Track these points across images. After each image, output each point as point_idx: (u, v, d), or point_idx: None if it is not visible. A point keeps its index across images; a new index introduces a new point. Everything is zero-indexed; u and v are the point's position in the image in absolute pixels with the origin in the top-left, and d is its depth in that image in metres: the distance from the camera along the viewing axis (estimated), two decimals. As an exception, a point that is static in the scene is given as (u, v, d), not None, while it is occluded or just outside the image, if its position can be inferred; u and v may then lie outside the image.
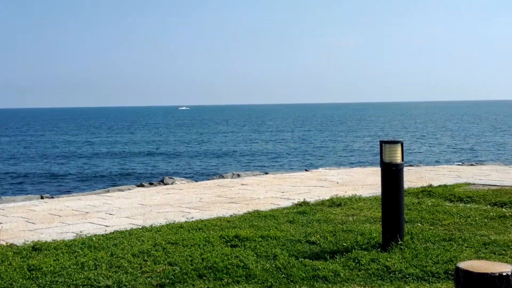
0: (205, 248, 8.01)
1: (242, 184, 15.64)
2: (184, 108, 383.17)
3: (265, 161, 45.24)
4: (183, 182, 17.29)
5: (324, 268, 6.93)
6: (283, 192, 13.86)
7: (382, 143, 8.03)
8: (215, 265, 7.11)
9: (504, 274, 3.24)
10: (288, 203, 11.90)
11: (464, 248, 7.85)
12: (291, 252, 7.73)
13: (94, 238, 8.92)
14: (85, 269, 7.19)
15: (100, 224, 10.47)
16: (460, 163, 23.27)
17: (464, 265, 3.39)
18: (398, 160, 7.93)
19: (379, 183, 8.21)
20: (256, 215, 10.45)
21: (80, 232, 9.73)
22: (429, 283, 6.50)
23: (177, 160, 47.17)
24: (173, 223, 10.00)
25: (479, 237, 8.42)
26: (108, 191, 15.36)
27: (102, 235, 9.23)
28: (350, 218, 10.02)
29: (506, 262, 7.06)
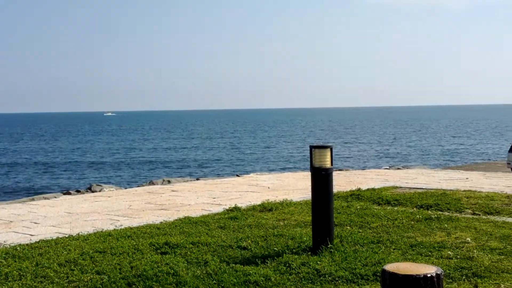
0: (134, 256, 7.84)
1: (173, 191, 15.47)
2: (110, 114, 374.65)
3: (196, 168, 45.05)
4: (111, 189, 16.95)
5: (255, 273, 6.91)
6: (214, 198, 13.78)
7: (312, 148, 8.09)
8: (144, 273, 6.97)
9: (428, 275, 3.30)
10: (219, 209, 11.83)
11: (391, 250, 8.00)
12: (222, 258, 7.67)
13: (18, 248, 8.58)
14: (9, 279, 6.91)
15: (25, 233, 10.09)
16: (388, 167, 23.85)
17: (390, 267, 3.43)
18: (328, 164, 8.00)
19: (310, 187, 8.27)
20: (187, 222, 10.34)
21: (4, 242, 9.36)
22: (358, 285, 6.58)
23: (105, 167, 46.30)
24: (101, 231, 9.76)
25: (406, 239, 8.61)
26: (33, 199, 14.85)
27: (27, 244, 8.90)
28: (281, 223, 10.06)
29: (432, 263, 7.24)
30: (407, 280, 3.25)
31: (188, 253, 7.95)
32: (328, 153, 8.03)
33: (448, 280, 6.65)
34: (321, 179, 7.98)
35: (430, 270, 3.36)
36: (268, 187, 15.63)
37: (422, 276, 3.28)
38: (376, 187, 14.38)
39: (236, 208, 11.48)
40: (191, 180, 18.58)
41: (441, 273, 3.38)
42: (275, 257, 7.60)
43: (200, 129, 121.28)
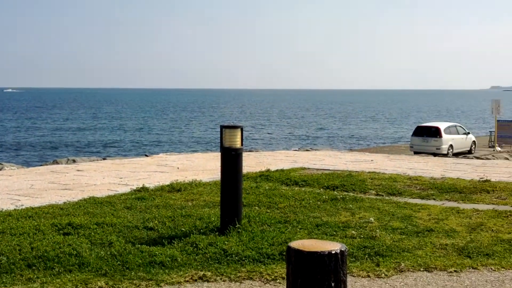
0: (35, 236, 7.52)
1: (78, 170, 15.01)
2: (10, 90, 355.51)
3: (102, 147, 44.01)
4: (13, 168, 16.24)
5: (161, 254, 6.80)
6: (121, 178, 13.49)
7: (222, 128, 8.03)
8: (45, 254, 6.70)
9: (333, 252, 3.33)
10: (126, 189, 11.59)
11: (298, 229, 8.10)
12: (127, 239, 7.50)
13: None
14: None
15: None
16: (297, 149, 24.20)
17: (296, 244, 3.43)
18: (238, 144, 7.97)
19: (220, 168, 8.21)
20: (92, 202, 10.05)
21: None
22: (264, 264, 6.61)
23: (5, 146, 44.37)
24: (0, 211, 9.31)
25: (312, 219, 8.74)
26: None
27: None
28: (190, 203, 9.97)
29: (337, 242, 7.39)
30: (312, 257, 3.26)
31: (92, 234, 7.72)
32: (239, 133, 7.99)
33: (352, 259, 6.81)
34: (231, 159, 7.94)
35: (334, 247, 3.39)
36: (178, 168, 15.47)
37: (326, 252, 3.30)
38: (285, 168, 14.55)
39: (143, 188, 11.27)
40: (97, 160, 18.10)
41: (345, 250, 3.42)
42: (182, 238, 7.51)
43: (108, 108, 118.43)
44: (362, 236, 7.77)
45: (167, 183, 11.95)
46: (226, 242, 7.28)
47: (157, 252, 6.86)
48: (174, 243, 7.32)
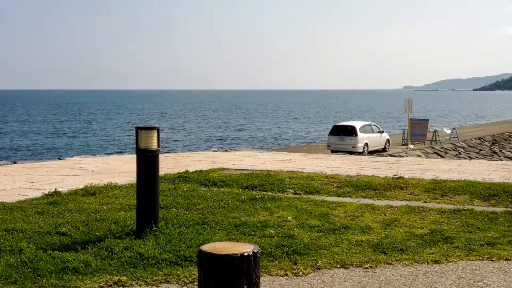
0: None
1: (-13, 175, 14.32)
2: None
3: (13, 151, 42.34)
4: None
5: (74, 260, 6.55)
6: (32, 182, 12.97)
7: (138, 129, 7.84)
8: (-52, 264, 6.32)
9: (245, 254, 3.27)
10: (38, 194, 11.14)
11: (216, 231, 8.03)
12: (39, 245, 7.19)
13: None
14: None
15: None
16: (216, 150, 24.12)
17: (207, 247, 3.35)
18: (154, 146, 7.81)
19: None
20: (1, 208, 9.60)
21: None
22: (182, 267, 6.49)
23: None
24: None
25: (231, 219, 8.69)
26: None
27: None
28: (105, 207, 9.70)
29: (255, 242, 7.37)
30: (224, 260, 3.19)
31: (1, 240, 7.37)
32: (155, 135, 7.84)
33: (270, 258, 6.79)
34: (147, 161, 7.77)
35: (247, 249, 3.33)
36: (92, 171, 15.06)
37: (239, 255, 3.23)
38: (203, 169, 14.44)
39: (56, 193, 10.87)
40: (7, 164, 17.33)
41: (258, 251, 3.36)
42: (97, 242, 7.28)
43: (18, 110, 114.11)
44: (280, 235, 7.78)
45: (81, 186, 11.60)
46: (142, 246, 7.10)
47: (70, 258, 6.61)
48: (88, 248, 7.08)
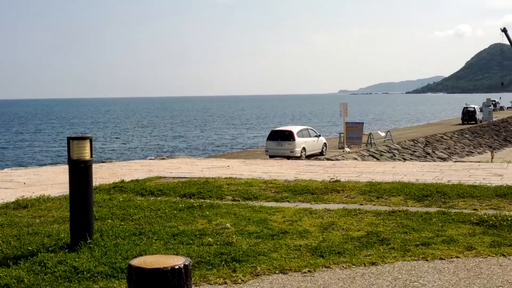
0: None
1: None
2: None
3: None
4: None
5: (6, 276, 6.30)
6: (-39, 197, 12.44)
7: (69, 139, 7.62)
8: None
9: (176, 267, 3.19)
10: (-34, 209, 10.68)
11: (153, 241, 7.89)
12: (-34, 263, 6.88)
13: None
14: None
15: None
16: (153, 158, 23.84)
17: (137, 262, 3.26)
18: (87, 156, 7.61)
19: (69, 181, 7.79)
20: None
21: None
22: (118, 279, 6.33)
23: None
24: None
25: (168, 229, 8.56)
26: None
27: None
28: (37, 220, 9.39)
29: (193, 251, 7.29)
30: (155, 274, 3.10)
31: None
32: (88, 145, 7.64)
33: (208, 267, 6.72)
34: (80, 172, 7.57)
35: (178, 261, 3.25)
36: (24, 183, 14.59)
37: (169, 268, 3.15)
38: (140, 178, 14.22)
39: (-15, 207, 10.46)
40: None
41: (189, 263, 3.29)
42: (29, 257, 7.03)
43: None
44: (218, 243, 7.72)
45: (12, 199, 11.21)
46: (76, 259, 6.91)
47: (1, 274, 6.36)
48: (20, 263, 6.83)
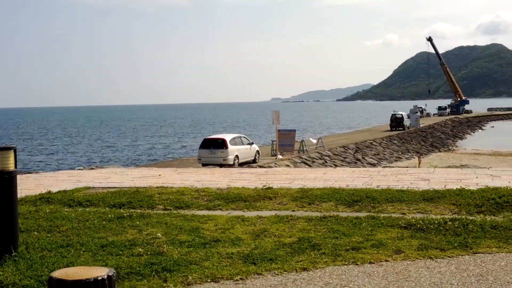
0: None
1: None
2: None
3: None
4: None
5: None
6: None
7: (-8, 150, 7.34)
8: None
9: (99, 278, 3.10)
10: None
11: (82, 252, 7.68)
12: None
13: None
14: None
15: None
16: (81, 168, 23.31)
17: (58, 273, 3.15)
18: (11, 167, 7.35)
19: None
20: None
21: None
22: (43, 293, 6.12)
23: None
24: None
25: (97, 240, 8.36)
26: None
27: None
28: (-42, 234, 8.97)
29: (123, 261, 7.13)
30: (77, 286, 3.00)
31: None
32: (12, 155, 7.37)
33: (138, 278, 6.58)
34: (3, 184, 7.29)
35: (101, 272, 3.15)
36: None
37: (92, 279, 3.05)
38: (68, 189, 13.84)
39: None
40: None
41: (113, 274, 3.19)
42: (-51, 273, 6.70)
43: None
44: (149, 253, 7.59)
45: None
46: (1, 273, 6.65)
47: None
48: None
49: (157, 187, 13.71)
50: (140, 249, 7.75)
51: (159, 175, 17.48)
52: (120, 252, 7.68)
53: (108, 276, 3.11)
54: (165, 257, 7.36)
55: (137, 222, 9.59)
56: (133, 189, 13.33)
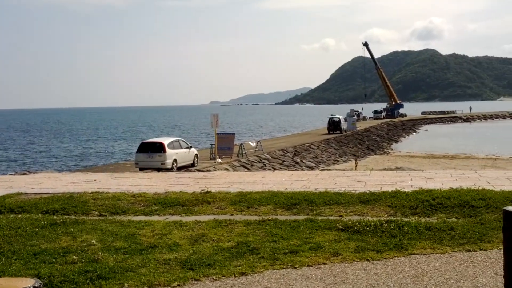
0: None
1: None
2: None
3: None
4: None
5: None
6: None
7: None
8: None
9: (28, 289, 2.93)
10: None
11: (13, 261, 7.40)
12: None
13: None
14: None
15: None
16: (13, 173, 22.59)
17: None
18: None
19: None
20: None
21: None
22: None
23: None
24: None
25: (29, 248, 8.08)
26: None
27: None
28: None
29: (56, 269, 6.92)
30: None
31: None
32: None
33: (72, 286, 6.39)
34: None
35: (26, 283, 3.00)
36: None
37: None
38: (-2, 195, 13.36)
39: None
40: None
41: (39, 285, 3.05)
42: None
43: None
44: (84, 260, 7.39)
45: None
46: None
47: None
48: None
49: (92, 193, 13.40)
50: (74, 257, 7.53)
51: (95, 180, 17.10)
52: (54, 260, 7.44)
53: (34, 287, 2.96)
54: (100, 264, 7.17)
55: (71, 229, 9.33)
56: (67, 195, 12.99)
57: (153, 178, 17.63)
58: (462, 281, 6.47)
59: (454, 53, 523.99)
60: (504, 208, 4.69)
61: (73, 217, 10.55)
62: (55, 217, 10.47)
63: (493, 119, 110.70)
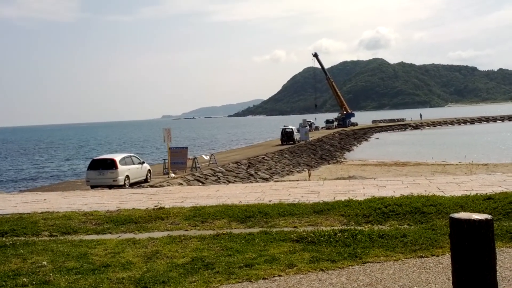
0: None
1: None
2: None
3: None
4: None
5: None
6: None
7: None
8: None
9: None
10: None
11: (-41, 287, 7.15)
12: None
13: None
14: None
15: None
16: (-40, 195, 21.88)
17: None
18: None
19: None
20: None
21: None
22: None
23: None
24: None
25: (-24, 273, 7.81)
26: None
27: None
28: None
29: (4, 294, 6.72)
30: None
31: None
32: None
33: (21, 311, 6.20)
34: None
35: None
36: None
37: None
38: None
39: None
40: None
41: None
42: None
43: None
44: (34, 282, 7.21)
45: None
46: None
47: None
48: None
49: (42, 213, 13.10)
50: (24, 279, 7.34)
51: (44, 199, 16.73)
52: (3, 283, 7.24)
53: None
54: (52, 286, 7.02)
55: (21, 251, 9.09)
56: (16, 216, 12.66)
57: (104, 195, 17.36)
58: (415, 287, 6.56)
59: (402, 62, 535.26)
60: (450, 215, 4.76)
61: (23, 238, 10.29)
62: (4, 239, 10.19)
63: (441, 125, 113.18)
